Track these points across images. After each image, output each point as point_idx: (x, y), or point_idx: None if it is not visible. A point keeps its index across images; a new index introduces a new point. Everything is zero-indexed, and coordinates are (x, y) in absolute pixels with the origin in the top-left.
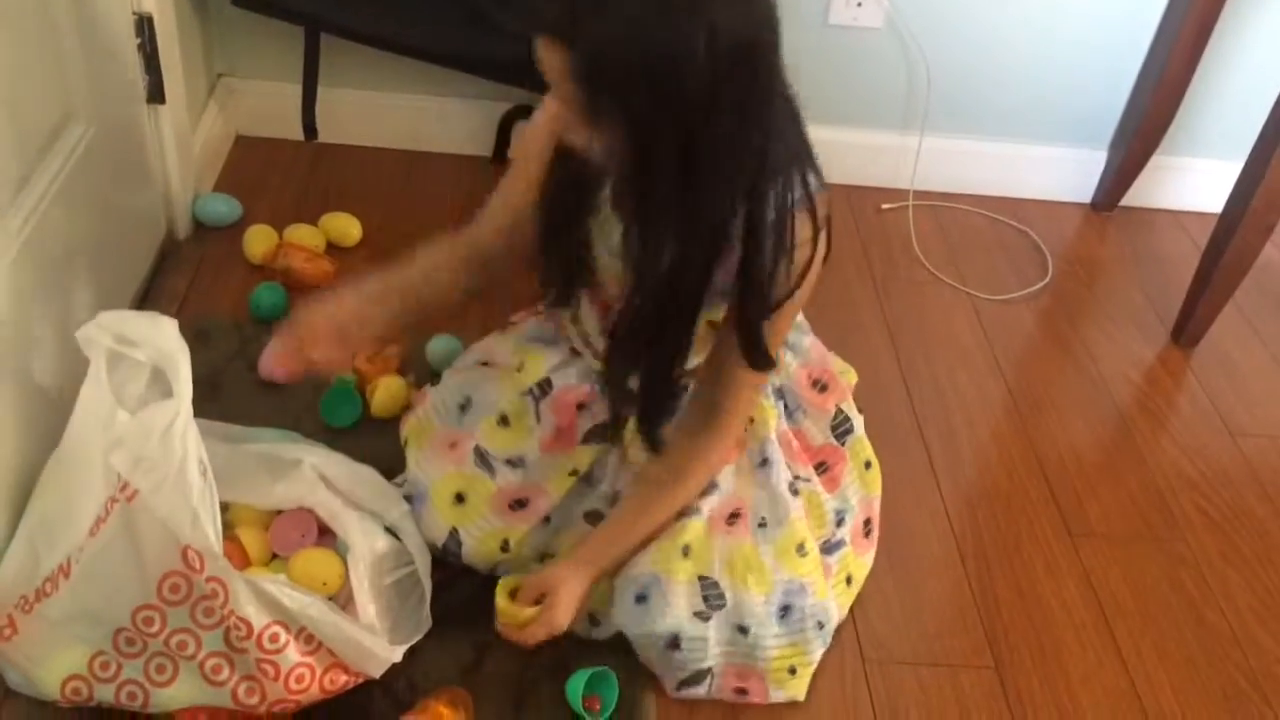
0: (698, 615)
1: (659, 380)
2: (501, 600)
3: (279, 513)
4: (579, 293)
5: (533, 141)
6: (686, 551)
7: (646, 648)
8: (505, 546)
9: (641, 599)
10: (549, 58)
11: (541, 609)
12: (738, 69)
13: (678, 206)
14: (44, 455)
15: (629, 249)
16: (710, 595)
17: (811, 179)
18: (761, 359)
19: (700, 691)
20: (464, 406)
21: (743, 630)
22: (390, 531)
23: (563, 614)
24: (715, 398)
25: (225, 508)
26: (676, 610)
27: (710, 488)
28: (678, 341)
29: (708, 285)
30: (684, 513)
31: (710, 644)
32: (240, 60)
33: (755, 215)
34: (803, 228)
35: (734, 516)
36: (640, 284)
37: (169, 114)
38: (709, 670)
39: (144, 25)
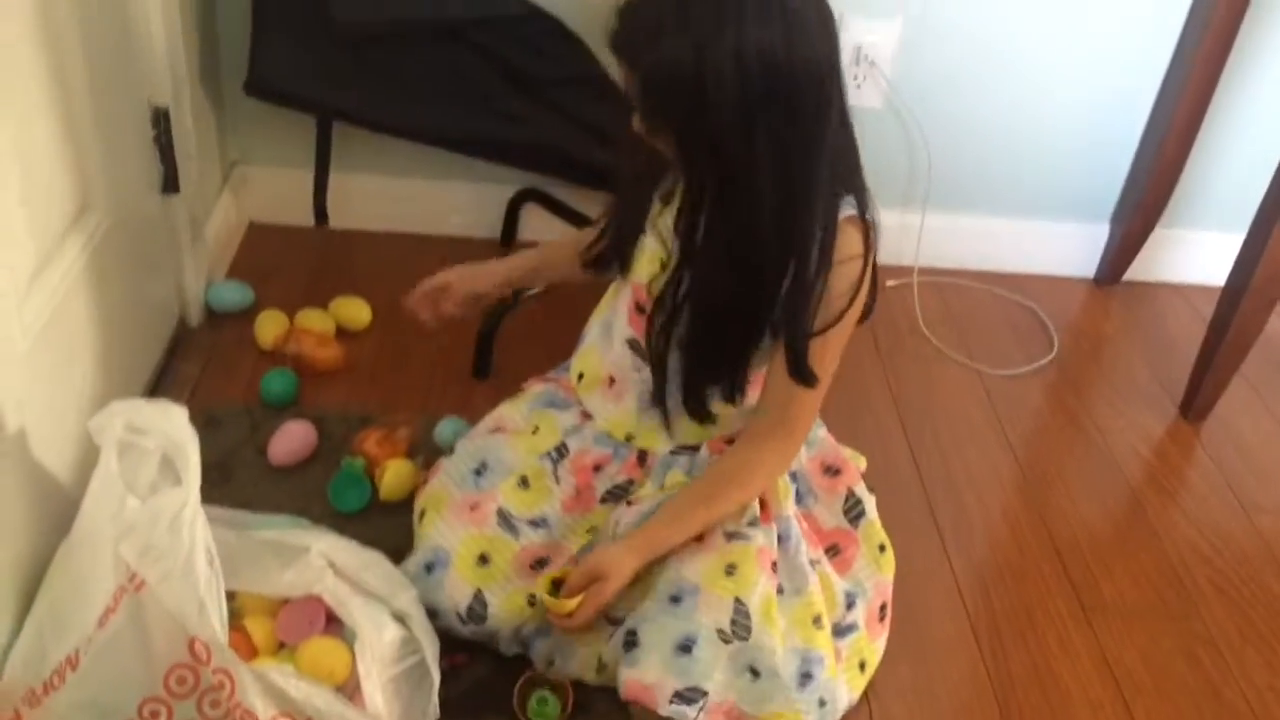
0: (720, 634)
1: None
2: (544, 594)
3: (287, 600)
4: (629, 251)
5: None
6: (731, 571)
7: (658, 645)
8: (531, 601)
9: (675, 600)
10: (622, 74)
11: (589, 592)
12: (775, 91)
13: (726, 217)
14: (54, 544)
15: (686, 252)
16: (739, 620)
17: (862, 201)
18: (804, 374)
19: (690, 713)
20: (479, 471)
21: (754, 673)
22: (398, 618)
23: (609, 592)
24: (774, 408)
25: (232, 596)
26: (703, 618)
27: (755, 524)
28: (736, 352)
29: (761, 297)
30: (737, 535)
31: (717, 669)
32: (254, 148)
33: (802, 230)
34: (850, 244)
35: (773, 565)
36: (697, 293)
37: (183, 203)
38: (705, 694)
39: (160, 118)
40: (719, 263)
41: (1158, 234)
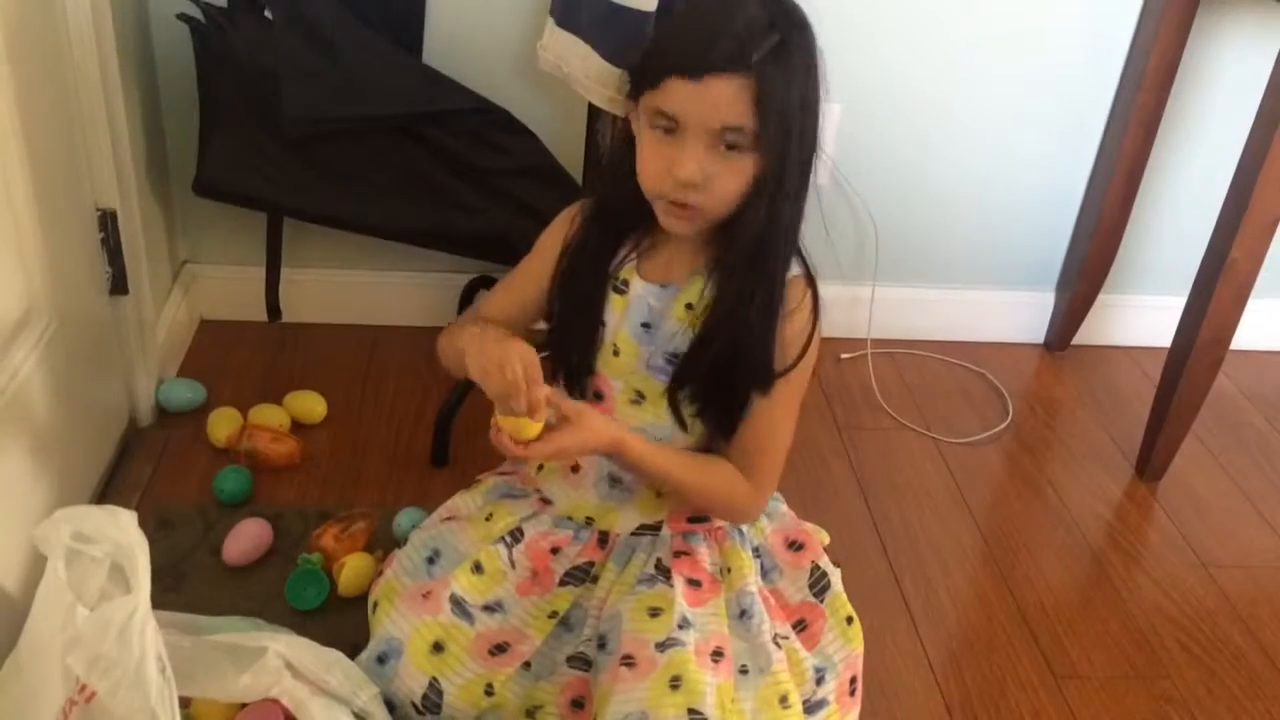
0: None
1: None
2: (503, 417)
3: (244, 705)
4: (591, 357)
5: (549, 243)
6: (676, 684)
7: None
8: (490, 690)
9: None
10: (727, 90)
11: (557, 429)
12: (817, 105)
13: (780, 234)
14: (1, 658)
15: (721, 285)
16: None
17: (804, 261)
18: (730, 422)
19: None
20: (432, 559)
21: None
22: (359, 718)
23: (577, 443)
24: (742, 455)
25: (187, 703)
26: None
27: (686, 624)
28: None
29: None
30: (669, 644)
31: None
32: (204, 247)
33: (787, 258)
34: (797, 294)
35: (718, 654)
36: (719, 323)
37: (132, 304)
38: None
39: (107, 220)
40: (743, 286)
41: (1103, 299)
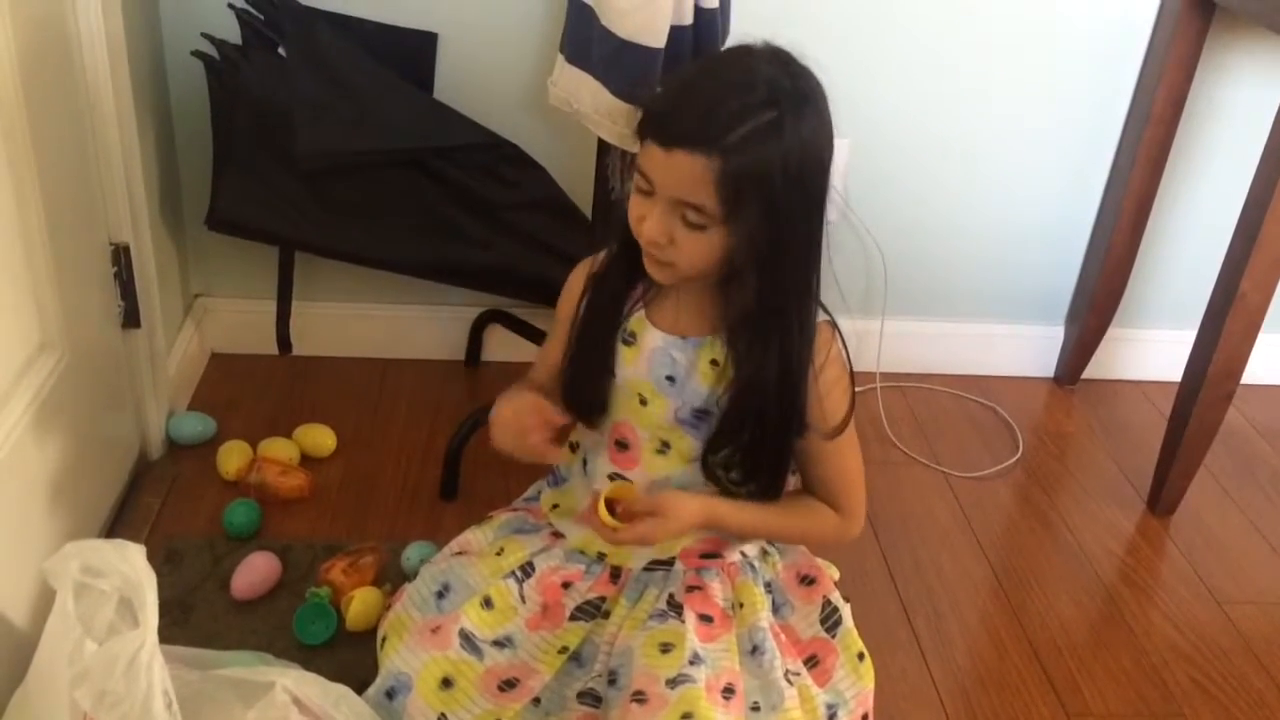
0: None
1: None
2: (602, 508)
3: None
4: (604, 398)
5: (566, 304)
6: None
7: None
8: None
9: None
10: (690, 166)
11: (641, 522)
12: (820, 178)
13: (788, 297)
14: (9, 691)
15: (735, 349)
16: None
17: (824, 307)
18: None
19: None
20: (441, 594)
21: None
22: None
23: (661, 532)
24: (826, 492)
25: None
26: None
27: (697, 660)
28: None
29: (796, 376)
30: (680, 680)
31: None
32: (216, 280)
33: (810, 308)
34: (824, 343)
35: (729, 690)
36: (746, 383)
37: (144, 338)
38: None
39: (120, 254)
40: (764, 354)
41: (1113, 332)
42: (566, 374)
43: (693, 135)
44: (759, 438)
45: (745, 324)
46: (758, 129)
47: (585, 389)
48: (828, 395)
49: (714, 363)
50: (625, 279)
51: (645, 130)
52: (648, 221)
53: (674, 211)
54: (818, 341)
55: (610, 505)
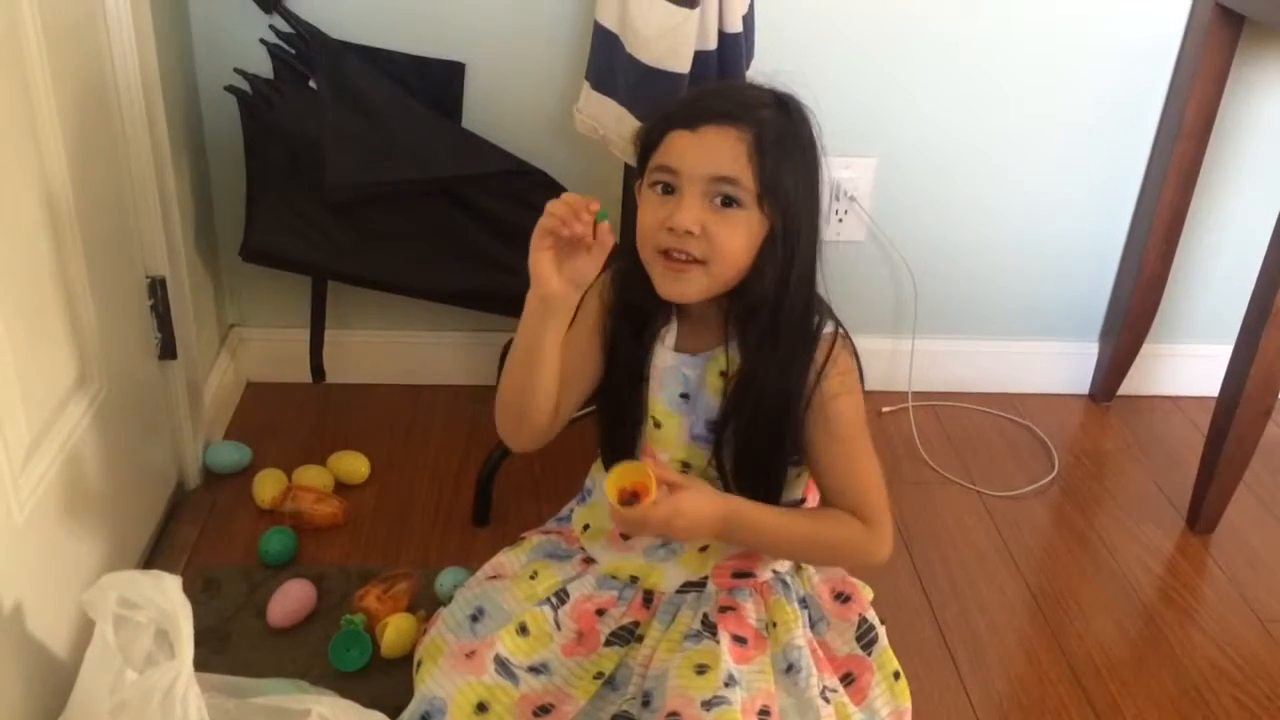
0: None
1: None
2: (611, 494)
3: None
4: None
5: (584, 322)
6: None
7: None
8: None
9: None
10: (722, 139)
11: (658, 515)
12: (819, 181)
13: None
14: None
15: (742, 343)
16: None
17: (833, 317)
18: (770, 487)
19: None
20: (476, 618)
21: None
22: None
23: (677, 530)
24: (837, 487)
25: None
26: None
27: (733, 682)
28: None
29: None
30: (716, 702)
31: None
32: (251, 310)
33: (809, 301)
34: (825, 350)
35: (764, 712)
36: (751, 381)
37: (181, 369)
38: None
39: (156, 287)
40: (768, 354)
41: (1148, 348)
42: (604, 431)
43: (722, 112)
44: (755, 440)
45: (754, 319)
46: (778, 112)
47: (625, 442)
48: (834, 398)
49: (722, 374)
50: (641, 325)
51: (663, 126)
52: (677, 213)
53: (704, 196)
54: (824, 344)
55: (628, 497)
